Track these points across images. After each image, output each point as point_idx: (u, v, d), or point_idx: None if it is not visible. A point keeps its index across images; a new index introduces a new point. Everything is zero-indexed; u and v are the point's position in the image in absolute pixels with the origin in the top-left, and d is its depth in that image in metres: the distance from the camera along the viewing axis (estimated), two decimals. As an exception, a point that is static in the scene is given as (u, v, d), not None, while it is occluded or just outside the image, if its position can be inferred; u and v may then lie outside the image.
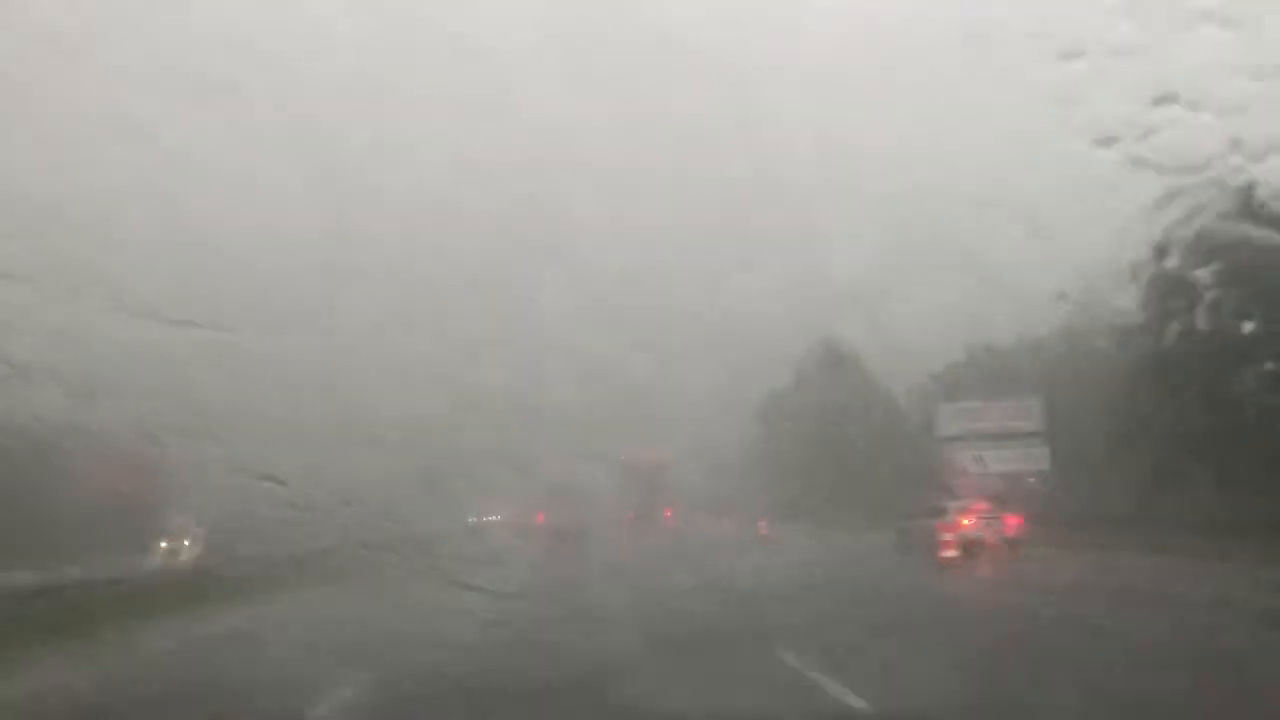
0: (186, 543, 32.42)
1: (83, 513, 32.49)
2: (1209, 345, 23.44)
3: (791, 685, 7.66)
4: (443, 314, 42.29)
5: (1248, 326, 23.11)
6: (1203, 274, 23.39)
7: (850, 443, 44.77)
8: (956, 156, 46.95)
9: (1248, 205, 20.63)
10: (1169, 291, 24.07)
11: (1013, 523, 22.81)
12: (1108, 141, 14.97)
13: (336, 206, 50.72)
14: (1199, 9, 15.15)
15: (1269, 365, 23.03)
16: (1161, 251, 23.44)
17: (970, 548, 21.60)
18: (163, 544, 32.42)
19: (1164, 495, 24.05)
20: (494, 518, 46.59)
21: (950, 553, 21.51)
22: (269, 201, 48.55)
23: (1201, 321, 23.87)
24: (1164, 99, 14.30)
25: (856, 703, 6.80)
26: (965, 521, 22.57)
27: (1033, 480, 30.92)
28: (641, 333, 41.00)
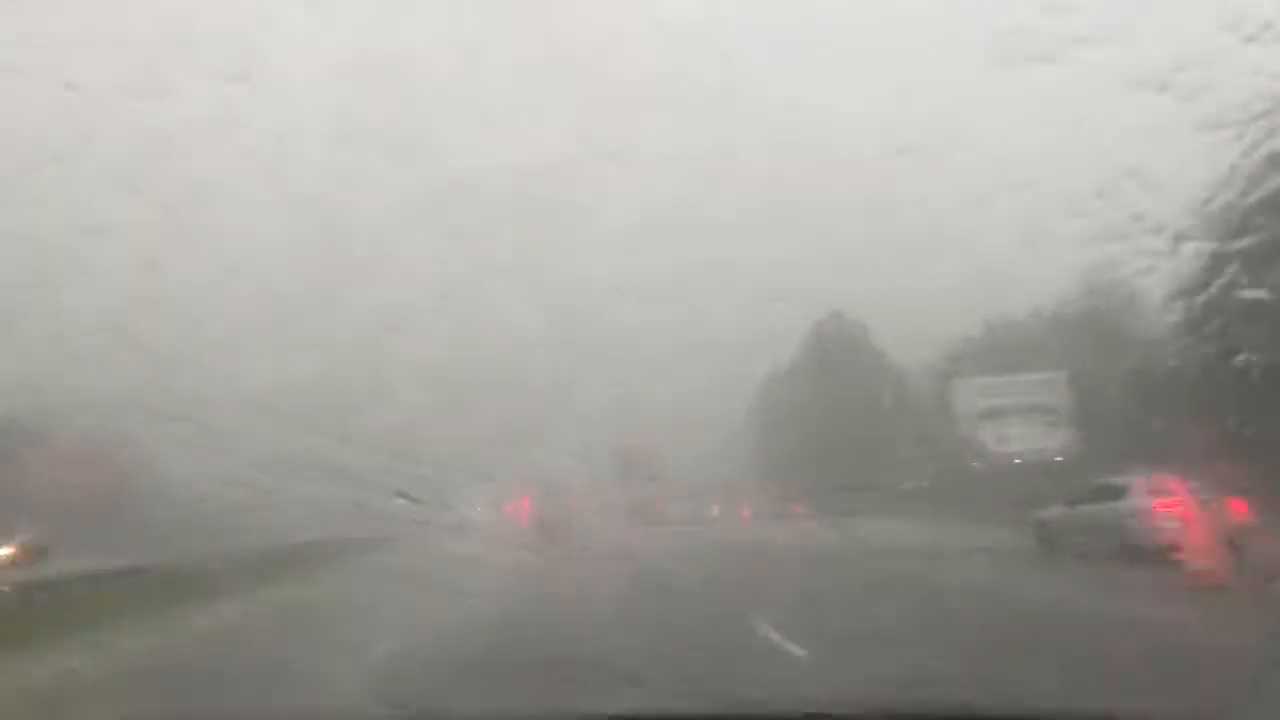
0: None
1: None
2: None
3: None
4: (429, 306, 41.72)
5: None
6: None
7: (868, 424, 40.71)
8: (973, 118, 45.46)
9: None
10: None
11: (1238, 504, 14.68)
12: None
13: (322, 213, 48.71)
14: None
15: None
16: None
17: (1193, 546, 13.17)
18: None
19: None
20: (480, 510, 44.01)
21: (1174, 556, 12.96)
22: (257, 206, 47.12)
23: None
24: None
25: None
26: (1171, 507, 14.60)
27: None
28: (636, 320, 39.91)
